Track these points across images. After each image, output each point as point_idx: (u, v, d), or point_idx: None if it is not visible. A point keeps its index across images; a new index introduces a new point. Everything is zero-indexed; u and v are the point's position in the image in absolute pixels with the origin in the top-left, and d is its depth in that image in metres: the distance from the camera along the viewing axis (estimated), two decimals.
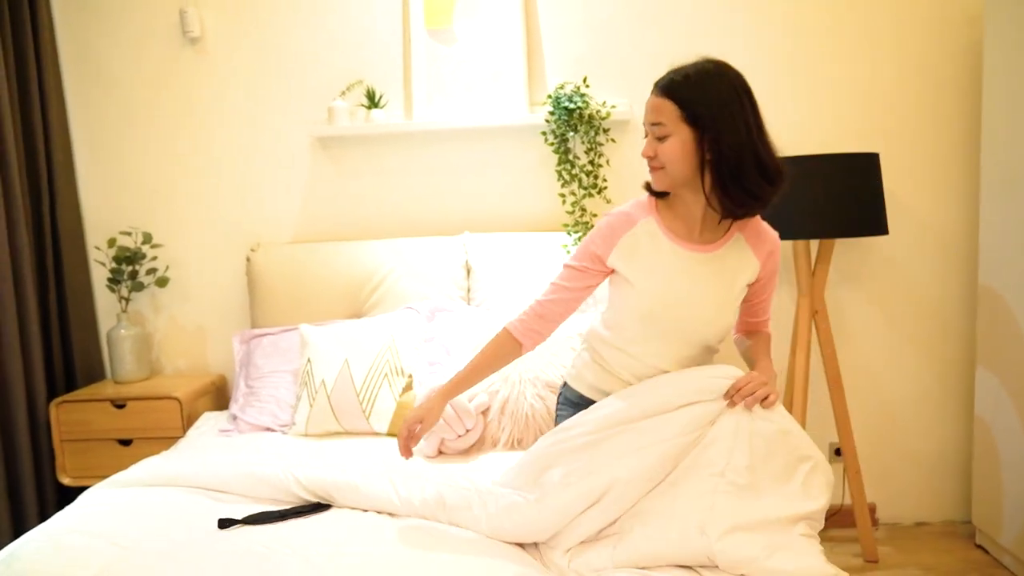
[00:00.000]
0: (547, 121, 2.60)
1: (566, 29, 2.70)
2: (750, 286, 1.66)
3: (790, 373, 2.65)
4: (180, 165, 2.83)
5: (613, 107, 2.62)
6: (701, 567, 1.42)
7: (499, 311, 2.45)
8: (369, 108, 2.70)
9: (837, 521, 2.80)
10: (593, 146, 2.62)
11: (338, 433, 2.28)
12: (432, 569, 1.45)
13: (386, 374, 2.28)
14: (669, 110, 1.48)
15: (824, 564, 1.35)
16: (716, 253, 1.58)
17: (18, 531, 2.49)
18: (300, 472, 1.78)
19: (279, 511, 1.69)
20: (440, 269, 2.60)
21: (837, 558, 2.56)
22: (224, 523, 1.65)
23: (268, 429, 2.37)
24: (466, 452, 2.10)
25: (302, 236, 2.83)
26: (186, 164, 2.83)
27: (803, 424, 2.48)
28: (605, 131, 2.64)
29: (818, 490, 1.46)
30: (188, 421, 2.57)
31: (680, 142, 1.48)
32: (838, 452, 2.81)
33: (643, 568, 1.42)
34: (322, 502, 1.74)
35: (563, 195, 2.66)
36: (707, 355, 1.70)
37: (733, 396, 1.54)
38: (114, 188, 2.86)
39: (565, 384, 1.87)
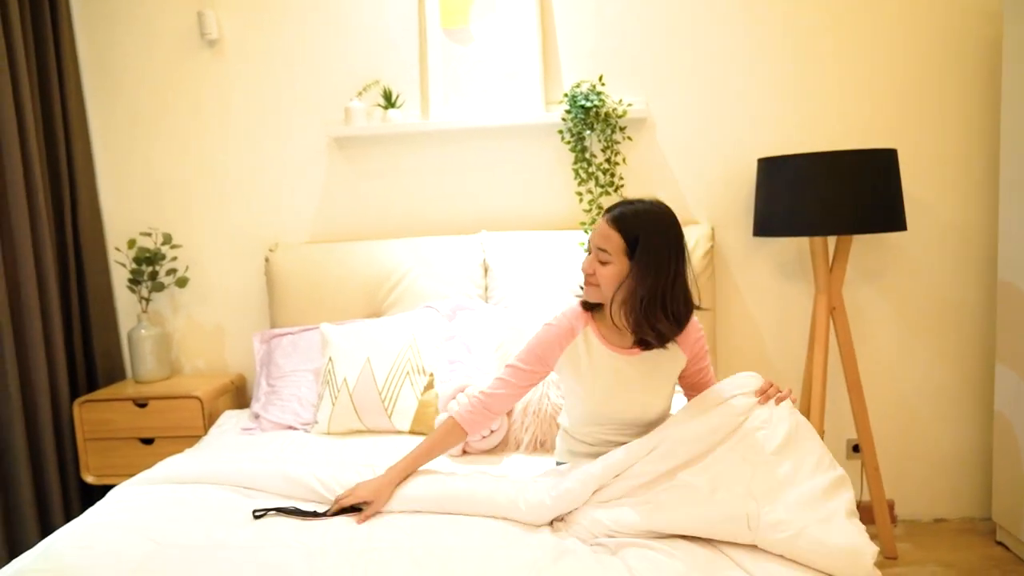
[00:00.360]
0: (563, 120, 2.61)
1: (581, 28, 2.70)
2: (682, 375, 1.84)
3: (807, 370, 2.65)
4: (199, 166, 2.86)
5: (629, 105, 2.63)
6: (728, 543, 1.48)
7: (518, 309, 2.46)
8: (386, 108, 2.71)
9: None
10: (609, 144, 2.63)
11: (360, 432, 2.30)
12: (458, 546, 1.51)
13: (408, 373, 2.29)
14: (616, 242, 1.65)
15: (868, 541, 1.43)
16: (645, 355, 1.76)
17: (45, 528, 2.52)
18: (327, 475, 1.80)
19: (314, 511, 1.70)
20: (458, 268, 2.61)
21: None
22: (259, 513, 1.68)
23: (290, 427, 2.38)
24: (490, 452, 2.11)
25: (320, 236, 2.85)
26: (204, 165, 2.85)
27: (821, 421, 2.49)
28: (621, 129, 2.65)
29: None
30: (209, 420, 2.59)
31: (617, 271, 1.66)
32: (856, 449, 2.81)
33: (665, 537, 1.51)
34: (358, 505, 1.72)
35: (580, 193, 2.67)
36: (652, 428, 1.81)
37: (762, 395, 1.72)
38: (133, 190, 2.89)
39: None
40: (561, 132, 2.64)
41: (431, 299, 2.57)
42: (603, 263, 1.68)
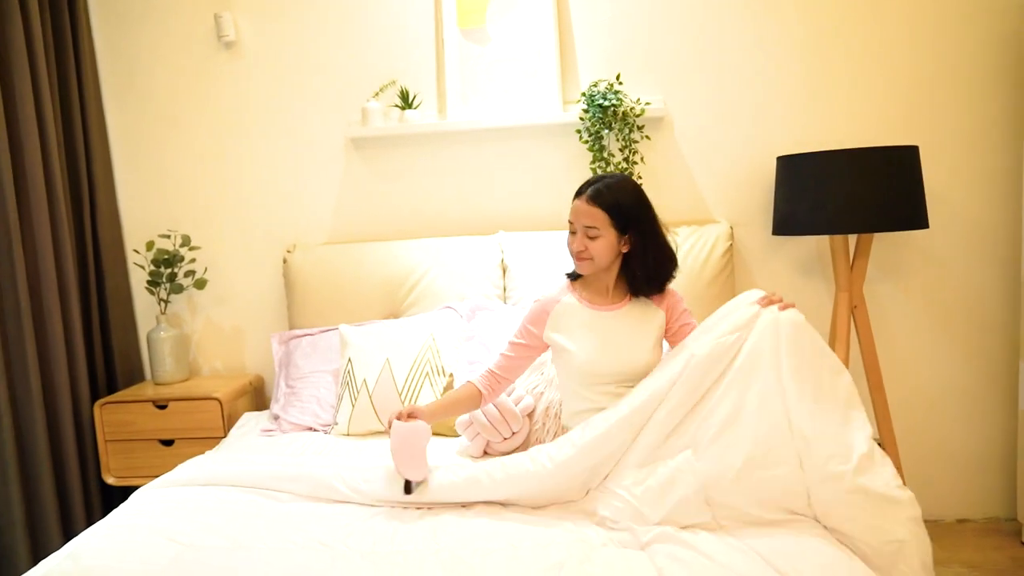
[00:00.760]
0: (581, 119, 2.60)
1: (598, 27, 2.69)
2: (668, 331, 1.98)
3: None
4: (216, 168, 2.86)
5: (647, 104, 2.62)
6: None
7: None
8: (403, 109, 2.71)
9: None
10: (628, 143, 2.62)
11: (380, 432, 2.29)
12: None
13: (427, 373, 2.29)
14: (601, 217, 1.84)
15: (903, 489, 1.58)
16: (623, 309, 1.95)
17: (66, 528, 2.54)
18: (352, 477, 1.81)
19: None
20: (476, 268, 2.60)
21: None
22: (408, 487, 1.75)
23: (310, 429, 2.39)
24: (511, 454, 2.10)
25: (338, 237, 2.85)
26: (222, 167, 2.86)
27: None
28: (639, 128, 2.63)
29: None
30: (228, 421, 2.60)
31: (608, 242, 1.86)
32: None
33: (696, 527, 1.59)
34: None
35: None
36: None
37: (765, 302, 1.83)
38: (151, 192, 2.90)
39: None
40: (579, 131, 2.64)
41: (449, 300, 2.57)
42: (593, 238, 1.85)
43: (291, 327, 2.74)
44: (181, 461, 2.44)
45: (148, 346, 2.77)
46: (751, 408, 1.67)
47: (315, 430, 2.38)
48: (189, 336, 2.94)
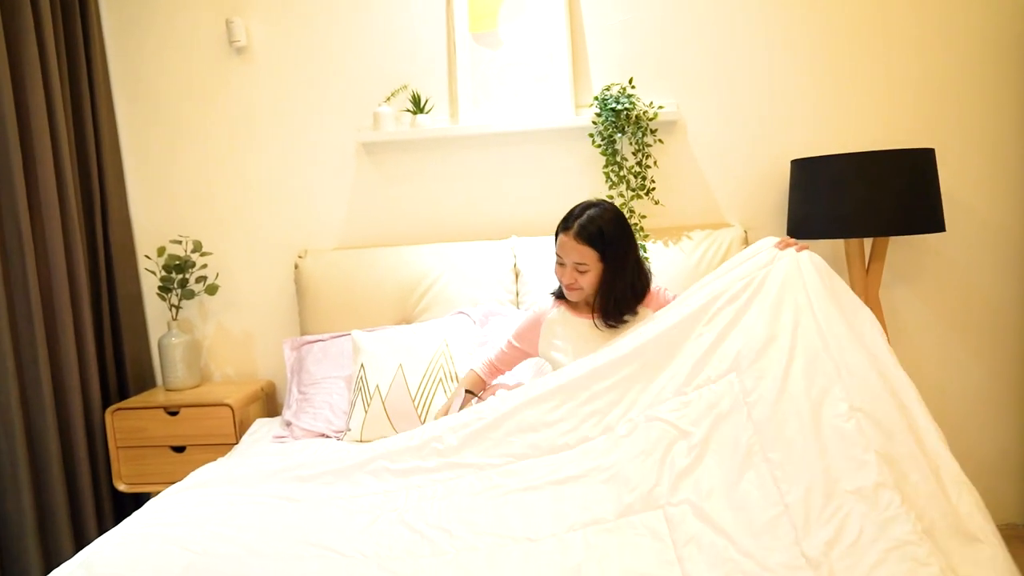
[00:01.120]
0: (594, 123, 2.59)
1: (610, 30, 2.68)
2: None
3: None
4: (228, 173, 2.86)
5: (660, 107, 2.60)
6: None
7: None
8: (414, 113, 2.70)
9: None
10: (641, 147, 2.60)
11: None
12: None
13: (440, 379, 2.27)
14: (591, 255, 1.96)
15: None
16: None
17: (78, 535, 2.53)
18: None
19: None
20: (488, 273, 2.59)
21: None
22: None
23: (323, 435, 2.37)
24: None
25: (349, 242, 2.84)
26: (233, 172, 2.85)
27: None
28: (652, 132, 2.62)
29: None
30: (240, 428, 2.59)
31: (596, 275, 1.99)
32: None
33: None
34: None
35: (611, 197, 2.63)
36: None
37: (782, 245, 1.92)
38: (162, 198, 2.90)
39: None
40: (592, 135, 2.62)
41: (462, 305, 2.56)
42: (582, 272, 1.98)
43: (302, 333, 2.73)
44: (193, 468, 2.42)
45: (159, 352, 2.77)
46: (786, 329, 1.73)
47: (328, 436, 2.37)
48: (200, 342, 2.93)
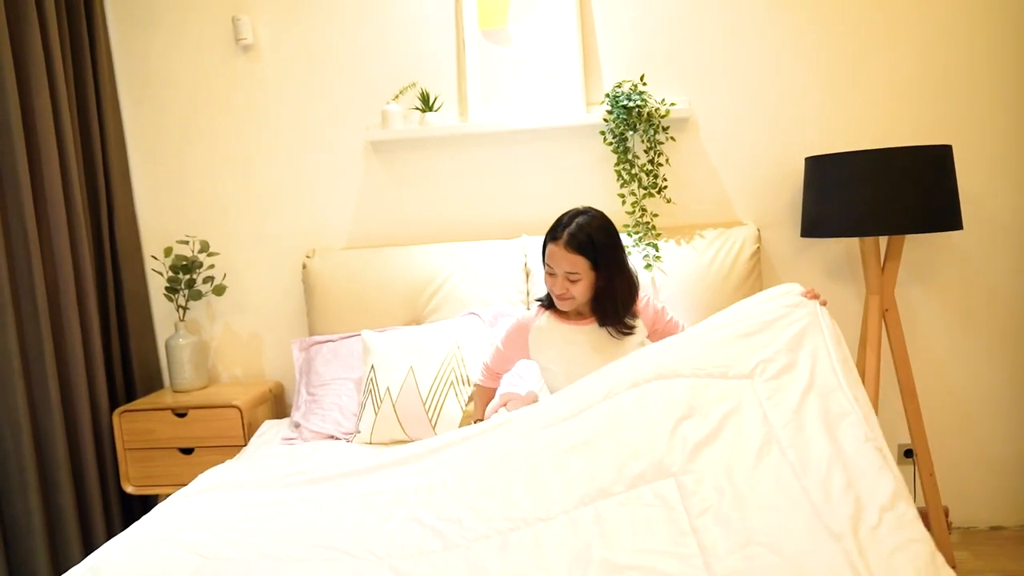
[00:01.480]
0: (605, 120, 2.56)
1: (621, 27, 2.65)
2: (653, 332, 2.10)
3: (858, 372, 2.57)
4: (234, 173, 2.83)
5: (672, 105, 2.57)
6: None
7: None
8: (423, 111, 2.67)
9: None
10: (653, 145, 2.57)
11: (403, 442, 2.24)
12: None
13: (452, 382, 2.25)
14: (582, 263, 1.93)
15: None
16: (594, 323, 2.04)
17: (86, 537, 2.51)
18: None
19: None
20: (499, 273, 2.56)
21: None
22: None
23: (331, 437, 2.35)
24: None
25: (357, 242, 2.81)
26: (240, 171, 2.83)
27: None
28: (664, 129, 2.59)
29: None
30: (249, 429, 2.57)
31: (588, 283, 1.97)
32: (907, 454, 2.73)
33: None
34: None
35: (622, 195, 2.60)
36: None
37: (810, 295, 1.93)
38: (169, 198, 2.87)
39: None
40: (603, 133, 2.59)
41: (472, 305, 2.53)
42: (574, 282, 1.95)
43: (311, 333, 2.70)
44: (201, 470, 2.41)
45: (167, 353, 2.75)
46: (805, 362, 1.74)
47: (337, 439, 2.34)
48: (208, 343, 2.91)
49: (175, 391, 2.75)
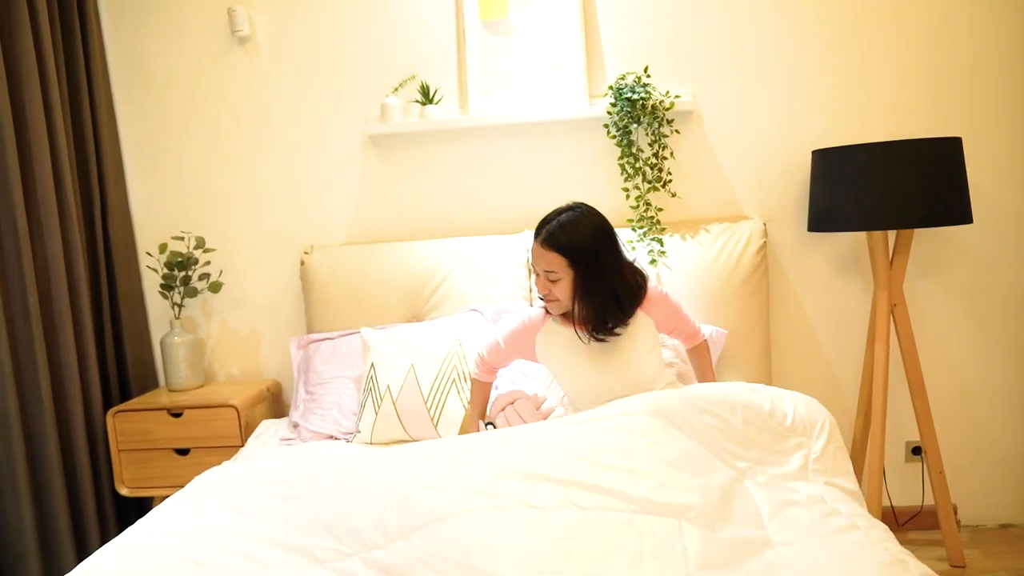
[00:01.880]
0: (609, 113, 2.51)
1: (624, 17, 2.60)
2: (662, 328, 2.02)
3: (866, 371, 2.54)
4: (231, 167, 2.78)
5: (677, 97, 2.52)
6: None
7: None
8: (423, 104, 2.62)
9: (918, 523, 2.69)
10: (657, 138, 2.52)
11: (404, 442, 2.20)
12: None
13: (454, 380, 2.20)
14: (559, 261, 1.82)
15: None
16: None
17: (79, 542, 2.46)
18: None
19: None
20: (501, 269, 2.52)
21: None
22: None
23: (331, 437, 2.30)
24: None
25: (357, 237, 2.76)
26: (237, 166, 2.78)
27: (882, 424, 2.37)
28: (669, 122, 2.54)
29: None
30: (246, 429, 2.52)
31: (568, 282, 1.84)
32: (915, 451, 2.69)
33: None
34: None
35: (627, 189, 2.56)
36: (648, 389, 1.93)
37: None
38: (164, 193, 2.82)
39: None
40: (607, 126, 2.54)
41: (474, 302, 2.48)
42: (554, 281, 1.84)
43: (309, 331, 2.65)
44: (197, 471, 2.37)
45: (162, 352, 2.69)
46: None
47: (336, 439, 2.30)
48: (204, 341, 2.86)
49: (170, 390, 2.69)
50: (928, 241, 2.60)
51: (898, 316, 2.43)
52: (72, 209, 2.49)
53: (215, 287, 2.74)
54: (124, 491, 2.55)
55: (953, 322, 2.64)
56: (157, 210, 2.83)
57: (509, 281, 2.50)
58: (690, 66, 2.60)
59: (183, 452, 2.52)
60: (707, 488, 1.51)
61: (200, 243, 2.74)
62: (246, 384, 2.76)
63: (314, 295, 2.61)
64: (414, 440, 2.20)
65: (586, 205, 1.88)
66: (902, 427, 2.68)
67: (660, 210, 2.55)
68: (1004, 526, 2.70)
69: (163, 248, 2.71)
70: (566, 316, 1.94)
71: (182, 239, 2.76)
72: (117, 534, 2.51)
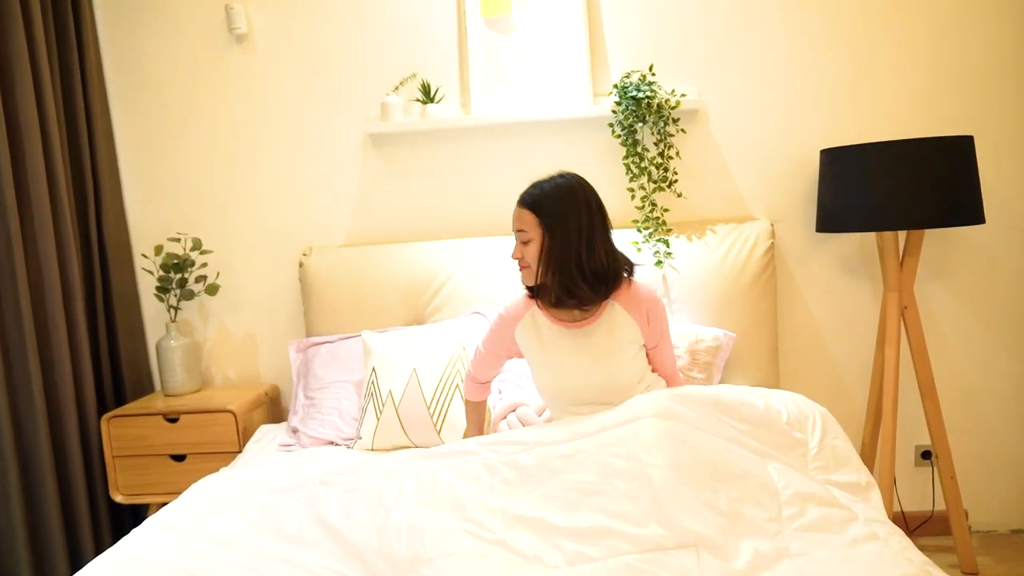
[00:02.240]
0: (613, 112, 2.46)
1: (629, 15, 2.56)
2: (645, 346, 1.88)
3: (875, 374, 2.49)
4: (228, 167, 2.73)
5: (683, 96, 2.48)
6: None
7: None
8: (424, 103, 2.58)
9: (929, 528, 2.64)
10: (663, 137, 2.48)
11: (406, 448, 2.15)
12: None
13: (457, 385, 2.15)
14: (529, 219, 1.76)
15: None
16: (592, 326, 1.81)
17: (72, 551, 2.41)
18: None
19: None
20: (504, 270, 2.47)
21: None
22: None
23: (331, 443, 2.25)
24: None
25: (356, 239, 2.71)
26: (234, 166, 2.73)
27: (893, 427, 2.33)
28: (675, 121, 2.50)
29: None
30: (244, 435, 2.47)
31: (538, 245, 1.75)
32: (925, 455, 2.65)
33: None
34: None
35: (632, 189, 2.52)
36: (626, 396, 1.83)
37: None
38: (160, 194, 2.77)
39: None
40: (611, 125, 2.50)
41: (477, 304, 2.44)
42: (525, 243, 1.77)
43: (308, 334, 2.60)
44: (194, 477, 2.32)
45: (157, 355, 2.64)
46: None
47: (337, 444, 2.25)
48: (201, 344, 2.80)
49: (166, 395, 2.64)
50: (939, 242, 2.56)
51: (909, 319, 2.39)
52: (66, 210, 2.44)
53: (212, 289, 2.69)
54: (119, 498, 2.49)
55: (964, 324, 2.60)
56: (153, 211, 2.78)
57: (512, 282, 2.45)
58: (696, 64, 2.56)
59: (179, 458, 2.47)
60: (716, 510, 1.46)
61: (197, 244, 2.69)
62: (244, 388, 2.71)
63: (313, 297, 2.56)
64: (416, 447, 2.15)
65: (577, 176, 1.80)
66: (911, 431, 2.64)
67: (666, 210, 2.51)
68: (1016, 531, 2.66)
69: (159, 250, 2.66)
70: (555, 313, 1.83)
71: (178, 240, 2.71)
72: (112, 543, 2.46)
